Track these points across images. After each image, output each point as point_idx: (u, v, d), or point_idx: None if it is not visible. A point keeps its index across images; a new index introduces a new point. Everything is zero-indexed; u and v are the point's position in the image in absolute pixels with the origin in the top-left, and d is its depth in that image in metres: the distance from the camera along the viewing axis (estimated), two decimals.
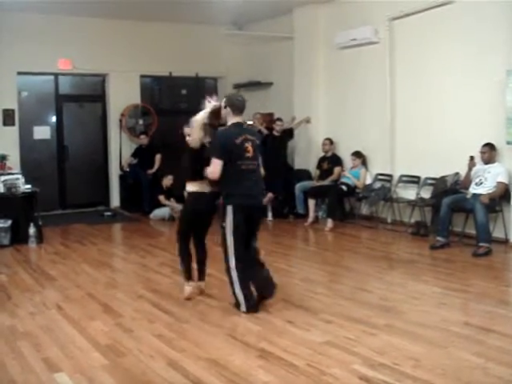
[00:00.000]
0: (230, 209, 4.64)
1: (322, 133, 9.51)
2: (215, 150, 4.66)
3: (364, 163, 8.76)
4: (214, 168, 4.60)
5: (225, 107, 4.81)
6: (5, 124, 9.58)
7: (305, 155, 9.87)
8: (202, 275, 5.27)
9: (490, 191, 6.72)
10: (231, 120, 4.79)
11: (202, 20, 10.50)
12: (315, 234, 8.38)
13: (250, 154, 4.67)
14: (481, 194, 6.69)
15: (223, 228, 4.69)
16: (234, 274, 4.68)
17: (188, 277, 5.12)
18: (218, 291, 5.23)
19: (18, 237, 7.59)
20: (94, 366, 3.71)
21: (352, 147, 8.83)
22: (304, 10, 9.56)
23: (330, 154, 9.12)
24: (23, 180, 7.89)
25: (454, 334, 4.13)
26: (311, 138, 9.74)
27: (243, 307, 4.68)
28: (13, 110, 9.65)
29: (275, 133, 9.37)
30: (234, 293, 4.73)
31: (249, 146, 4.67)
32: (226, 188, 4.70)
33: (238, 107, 4.79)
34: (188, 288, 5.10)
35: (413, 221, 7.87)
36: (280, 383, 3.42)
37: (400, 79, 8.29)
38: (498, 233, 6.94)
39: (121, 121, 10.55)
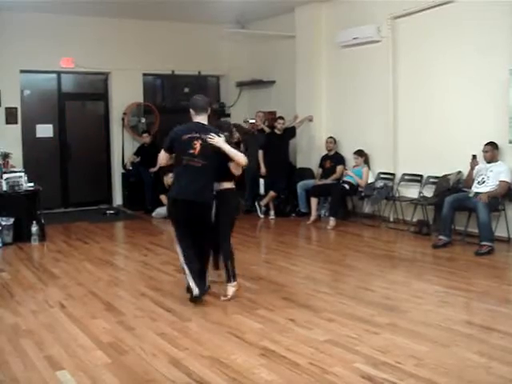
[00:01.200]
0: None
1: (325, 131, 9.51)
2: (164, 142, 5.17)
3: (366, 162, 8.75)
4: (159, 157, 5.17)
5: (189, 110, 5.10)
6: (7, 122, 9.59)
7: (307, 154, 9.86)
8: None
9: (492, 190, 6.71)
10: (193, 119, 5.06)
11: (205, 18, 10.49)
12: (317, 232, 8.38)
13: (194, 151, 4.85)
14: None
15: None
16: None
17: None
18: (220, 289, 5.23)
19: (21, 235, 7.60)
20: (96, 364, 3.71)
21: (354, 146, 8.82)
22: (306, 8, 9.55)
23: (332, 152, 9.13)
24: (26, 178, 7.90)
25: (457, 333, 4.13)
26: (313, 136, 9.73)
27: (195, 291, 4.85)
28: (15, 108, 9.66)
29: (277, 131, 9.36)
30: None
31: (197, 143, 4.86)
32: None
33: (196, 107, 5.04)
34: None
35: (415, 219, 7.86)
36: (282, 382, 3.42)
37: (402, 78, 8.27)
38: (500, 232, 6.93)
39: (123, 119, 10.55)
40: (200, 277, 4.90)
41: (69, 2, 8.89)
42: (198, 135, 4.87)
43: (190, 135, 4.89)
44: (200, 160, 4.85)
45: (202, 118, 5.01)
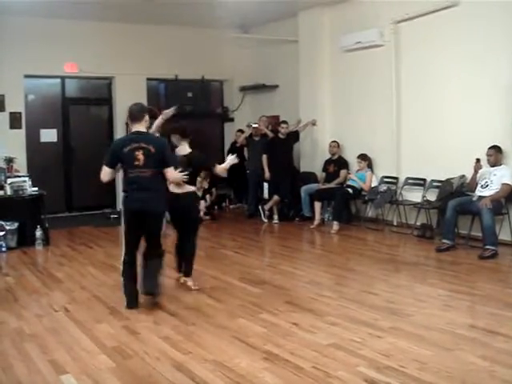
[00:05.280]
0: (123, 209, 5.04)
1: (328, 135, 9.52)
2: (105, 157, 4.96)
3: (370, 166, 8.76)
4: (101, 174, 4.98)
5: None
6: (12, 127, 9.61)
7: (311, 158, 9.87)
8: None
9: (495, 194, 6.70)
10: (132, 129, 4.98)
11: (208, 23, 10.53)
12: (321, 236, 8.38)
13: (139, 163, 4.80)
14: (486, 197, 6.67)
15: None
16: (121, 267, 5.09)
17: None
18: (224, 293, 5.24)
19: (25, 239, 7.62)
20: (100, 368, 3.72)
21: (358, 150, 8.83)
22: (309, 13, 9.57)
23: (336, 156, 9.14)
24: (30, 183, 7.94)
25: (460, 337, 4.13)
26: (317, 140, 9.74)
27: (125, 302, 4.97)
28: (20, 113, 9.69)
29: (281, 135, 9.37)
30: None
31: (139, 154, 4.79)
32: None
33: (132, 116, 4.97)
34: None
35: (419, 223, 7.86)
36: None
37: (405, 82, 8.28)
38: (504, 235, 6.93)
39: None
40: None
41: (73, 7, 8.93)
42: (138, 145, 4.80)
43: (129, 147, 4.80)
44: (147, 169, 4.80)
45: (138, 127, 4.91)
